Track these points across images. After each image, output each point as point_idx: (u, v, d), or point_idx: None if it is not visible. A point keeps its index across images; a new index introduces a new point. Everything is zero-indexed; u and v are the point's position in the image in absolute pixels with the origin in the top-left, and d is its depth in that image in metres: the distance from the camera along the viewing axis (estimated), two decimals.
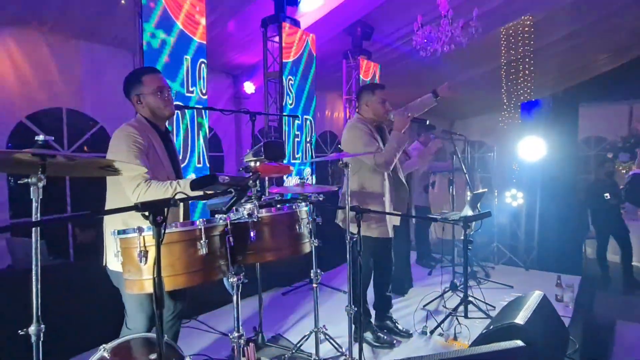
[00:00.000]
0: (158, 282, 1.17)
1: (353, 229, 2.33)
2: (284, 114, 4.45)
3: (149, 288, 1.41)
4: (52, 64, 4.35)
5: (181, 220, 2.05)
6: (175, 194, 1.25)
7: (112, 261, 1.84)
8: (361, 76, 6.53)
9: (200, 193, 1.56)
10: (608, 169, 6.12)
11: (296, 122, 4.79)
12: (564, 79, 8.04)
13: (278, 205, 1.95)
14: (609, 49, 8.03)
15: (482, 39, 5.64)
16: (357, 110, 3.03)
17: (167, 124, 2.19)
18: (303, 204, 1.97)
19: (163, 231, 1.18)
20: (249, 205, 1.73)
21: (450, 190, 4.19)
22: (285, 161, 4.30)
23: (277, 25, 4.59)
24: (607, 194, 5.60)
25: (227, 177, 1.42)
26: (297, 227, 1.87)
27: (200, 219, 1.49)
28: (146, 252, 1.40)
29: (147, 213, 1.14)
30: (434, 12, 4.42)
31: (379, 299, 3.21)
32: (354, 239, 2.27)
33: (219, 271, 1.56)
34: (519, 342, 1.99)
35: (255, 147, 1.61)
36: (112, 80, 4.44)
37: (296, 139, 4.82)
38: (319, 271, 2.59)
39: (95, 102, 4.63)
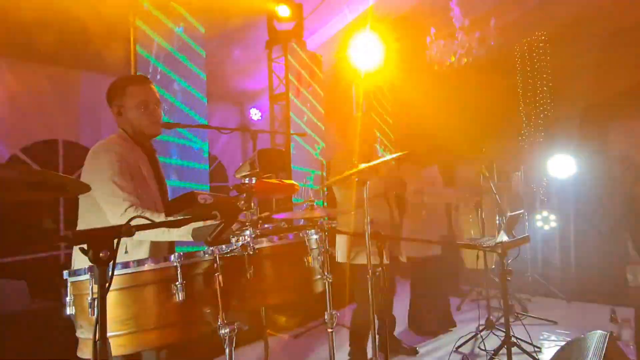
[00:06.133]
0: (101, 347, 0.80)
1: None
2: (291, 132, 4.15)
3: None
4: (50, 94, 4.19)
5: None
6: (131, 219, 0.90)
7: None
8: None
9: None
10: None
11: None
12: (588, 96, 7.69)
13: (281, 234, 1.58)
14: (629, 64, 7.70)
15: (497, 56, 5.38)
16: None
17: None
18: (312, 231, 1.61)
19: (110, 272, 0.82)
20: (247, 233, 1.38)
21: (479, 213, 3.77)
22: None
23: (282, 45, 4.40)
24: None
25: (210, 197, 1.08)
26: (306, 261, 1.49)
27: (177, 253, 1.13)
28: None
29: (84, 246, 0.79)
30: (448, 26, 4.18)
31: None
32: (377, 273, 1.87)
33: (203, 323, 1.18)
34: None
35: (248, 159, 1.28)
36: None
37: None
38: (334, 312, 2.17)
39: (94, 134, 4.42)
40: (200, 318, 1.17)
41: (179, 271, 1.10)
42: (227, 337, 1.31)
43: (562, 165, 4.82)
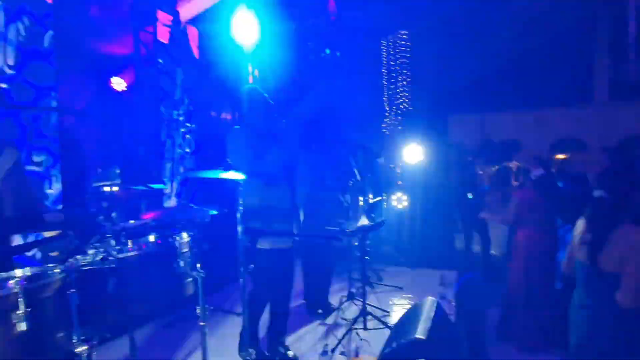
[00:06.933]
0: None
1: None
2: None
3: None
4: None
5: None
6: None
7: None
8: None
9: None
10: (470, 172, 6.95)
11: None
12: (435, 90, 8.97)
13: (151, 238, 1.51)
14: (469, 65, 9.24)
15: (367, 49, 5.85)
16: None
17: None
18: (184, 233, 1.58)
19: None
20: (107, 245, 1.28)
21: (345, 198, 4.14)
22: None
23: (150, 12, 3.96)
24: (470, 194, 6.34)
25: (60, 214, 0.97)
26: (175, 265, 1.47)
27: (17, 277, 0.99)
28: None
29: None
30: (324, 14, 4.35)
31: (276, 321, 2.91)
32: (250, 269, 1.94)
33: (54, 350, 1.08)
34: None
35: (114, 167, 1.18)
36: None
37: (178, 149, 4.22)
38: (207, 306, 2.18)
39: None
40: (52, 345, 1.06)
41: (20, 298, 0.97)
42: (84, 354, 1.23)
43: (413, 152, 5.59)
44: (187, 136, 4.54)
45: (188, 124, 4.26)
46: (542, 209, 3.17)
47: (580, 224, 2.10)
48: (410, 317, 2.66)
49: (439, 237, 6.11)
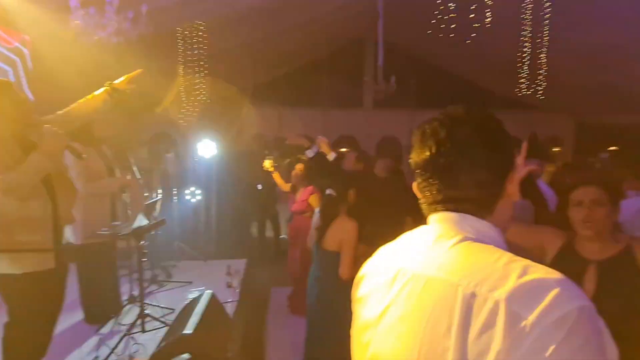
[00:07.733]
0: None
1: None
2: None
3: None
4: None
5: None
6: None
7: None
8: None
9: None
10: (263, 164, 7.53)
11: None
12: (232, 83, 9.23)
13: None
14: (264, 64, 9.91)
15: (157, 38, 5.49)
16: None
17: None
18: None
19: None
20: None
21: (122, 197, 3.88)
22: None
23: None
24: (259, 185, 6.92)
25: None
26: None
27: None
28: None
29: None
30: None
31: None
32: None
33: None
34: (185, 356, 2.09)
35: None
36: None
37: None
38: None
39: None
40: None
41: None
42: None
43: (207, 147, 5.67)
44: None
45: None
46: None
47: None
48: (185, 313, 2.79)
49: (233, 227, 6.44)
